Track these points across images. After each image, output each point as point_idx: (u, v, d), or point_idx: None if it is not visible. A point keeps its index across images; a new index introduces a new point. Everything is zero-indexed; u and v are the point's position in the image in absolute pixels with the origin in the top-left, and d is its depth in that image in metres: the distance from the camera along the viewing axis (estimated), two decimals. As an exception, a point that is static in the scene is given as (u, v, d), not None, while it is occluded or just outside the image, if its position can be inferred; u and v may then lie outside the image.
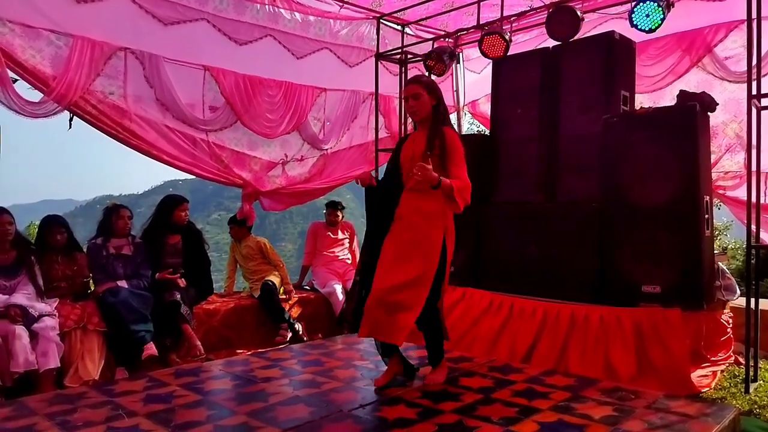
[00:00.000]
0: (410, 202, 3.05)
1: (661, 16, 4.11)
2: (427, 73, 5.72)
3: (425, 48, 5.88)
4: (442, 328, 3.16)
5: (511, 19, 5.14)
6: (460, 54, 6.53)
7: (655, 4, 4.07)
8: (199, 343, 4.12)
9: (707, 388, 3.47)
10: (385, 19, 6.01)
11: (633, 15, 4.17)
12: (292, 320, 4.87)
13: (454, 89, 7.01)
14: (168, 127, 4.92)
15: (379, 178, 3.35)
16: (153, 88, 4.79)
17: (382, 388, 3.07)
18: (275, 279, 5.05)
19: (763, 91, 3.70)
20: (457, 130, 7.51)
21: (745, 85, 3.76)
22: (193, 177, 5.45)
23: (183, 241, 4.49)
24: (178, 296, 4.15)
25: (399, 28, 6.15)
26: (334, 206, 5.80)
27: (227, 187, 5.62)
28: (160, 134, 4.88)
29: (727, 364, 3.88)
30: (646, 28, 4.19)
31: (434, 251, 2.96)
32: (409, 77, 3.16)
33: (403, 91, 3.15)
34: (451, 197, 2.89)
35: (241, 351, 4.45)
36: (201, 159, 5.16)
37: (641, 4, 4.12)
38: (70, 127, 4.40)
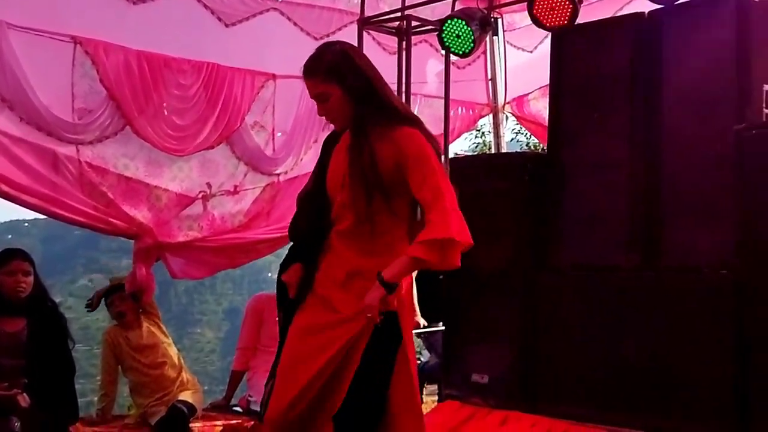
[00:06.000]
0: (342, 254, 3.02)
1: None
2: (442, 52, 5.78)
3: (442, 11, 5.96)
4: None
5: (581, -34, 5.25)
6: (499, 20, 6.61)
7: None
8: (51, 506, 4.11)
9: None
10: (374, -34, 6.18)
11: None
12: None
13: (489, 77, 7.20)
14: (10, 137, 4.93)
15: None
16: None
17: None
18: (191, 398, 5.02)
19: None
20: (492, 141, 7.58)
21: None
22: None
23: (29, 330, 4.48)
24: (17, 425, 4.12)
25: (398, -23, 6.30)
26: None
27: (107, 235, 5.62)
28: None
29: None
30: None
31: (376, 345, 2.91)
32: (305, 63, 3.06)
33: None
34: (430, 265, 2.88)
35: None
36: (65, 190, 5.19)
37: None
38: None
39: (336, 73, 2.96)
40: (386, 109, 3.01)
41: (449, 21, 5.58)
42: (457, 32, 5.55)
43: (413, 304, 3.12)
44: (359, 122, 2.97)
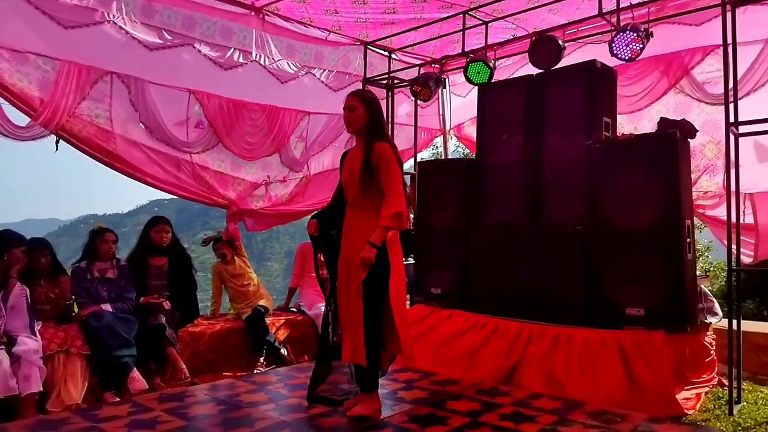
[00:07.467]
0: (350, 220, 3.15)
1: (641, 46, 4.25)
2: (413, 98, 5.86)
3: (412, 73, 6.01)
4: (375, 351, 3.05)
5: (495, 47, 5.30)
6: (446, 79, 6.67)
7: (635, 34, 4.23)
8: (184, 366, 4.13)
9: (692, 411, 3.54)
10: (372, 46, 6.16)
11: (613, 45, 4.30)
12: (278, 344, 4.86)
13: (440, 113, 7.12)
14: (152, 149, 4.99)
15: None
16: (138, 111, 4.87)
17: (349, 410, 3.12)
18: (266, 303, 5.09)
19: (740, 117, 3.83)
20: (443, 153, 7.67)
21: (722, 107, 3.90)
22: (180, 196, 5.51)
23: (169, 264, 4.55)
24: (163, 319, 4.17)
25: (386, 54, 6.29)
26: None
27: (211, 207, 5.66)
28: (145, 156, 4.94)
29: (711, 386, 3.97)
30: (626, 58, 4.32)
31: (375, 271, 2.99)
32: (352, 90, 3.32)
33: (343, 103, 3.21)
34: (393, 229, 2.99)
35: (227, 374, 4.45)
36: (184, 180, 5.24)
37: (621, 33, 4.27)
38: (57, 149, 4.46)
39: (368, 101, 3.14)
40: (381, 131, 3.16)
41: (417, 80, 5.61)
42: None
43: (399, 243, 3.15)
44: (369, 136, 3.10)
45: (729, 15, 3.84)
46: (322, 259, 3.38)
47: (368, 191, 3.06)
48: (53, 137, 4.40)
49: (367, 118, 3.11)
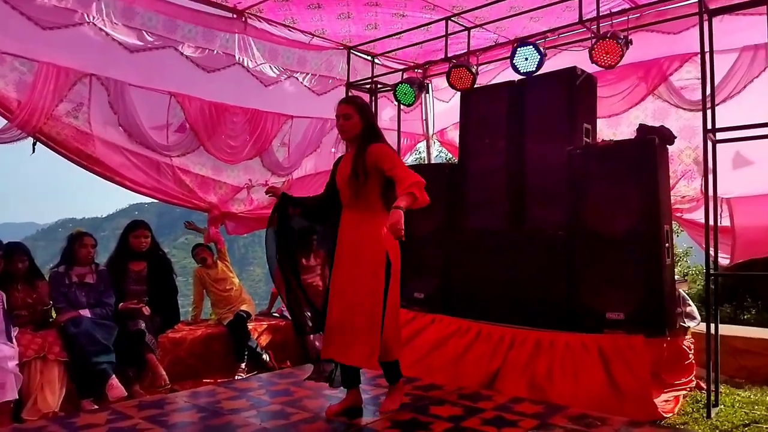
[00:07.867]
0: (350, 223, 3.12)
1: (620, 53, 4.30)
2: (396, 103, 5.85)
3: (395, 78, 6.01)
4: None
5: (477, 53, 5.32)
6: (429, 84, 6.68)
7: (614, 41, 4.27)
8: (164, 372, 4.09)
9: (670, 414, 3.58)
10: (355, 50, 6.14)
11: (593, 52, 4.34)
12: (260, 349, 4.82)
13: (423, 118, 7.14)
14: (132, 153, 4.93)
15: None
16: (117, 113, 4.80)
17: (334, 415, 3.11)
18: (248, 309, 5.05)
19: (717, 123, 3.89)
20: (425, 157, 7.70)
21: (700, 113, 3.96)
22: (160, 199, 5.43)
23: (149, 269, 4.49)
24: (143, 325, 4.12)
25: (369, 58, 6.29)
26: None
27: (193, 210, 5.62)
28: (125, 159, 4.88)
29: (689, 389, 4.02)
30: (606, 65, 4.37)
31: (379, 271, 2.98)
32: (345, 97, 3.24)
33: (335, 110, 3.17)
34: (416, 203, 2.90)
35: (208, 381, 4.39)
36: (165, 184, 5.18)
37: (601, 41, 4.31)
38: (33, 152, 4.41)
39: (362, 108, 3.12)
40: (376, 135, 3.13)
41: (400, 85, 5.61)
42: (404, 91, 5.57)
43: (398, 250, 3.05)
44: (362, 142, 3.08)
45: (706, 24, 3.91)
46: (304, 263, 3.34)
47: (363, 193, 3.05)
48: (30, 140, 4.32)
49: (362, 125, 3.10)
